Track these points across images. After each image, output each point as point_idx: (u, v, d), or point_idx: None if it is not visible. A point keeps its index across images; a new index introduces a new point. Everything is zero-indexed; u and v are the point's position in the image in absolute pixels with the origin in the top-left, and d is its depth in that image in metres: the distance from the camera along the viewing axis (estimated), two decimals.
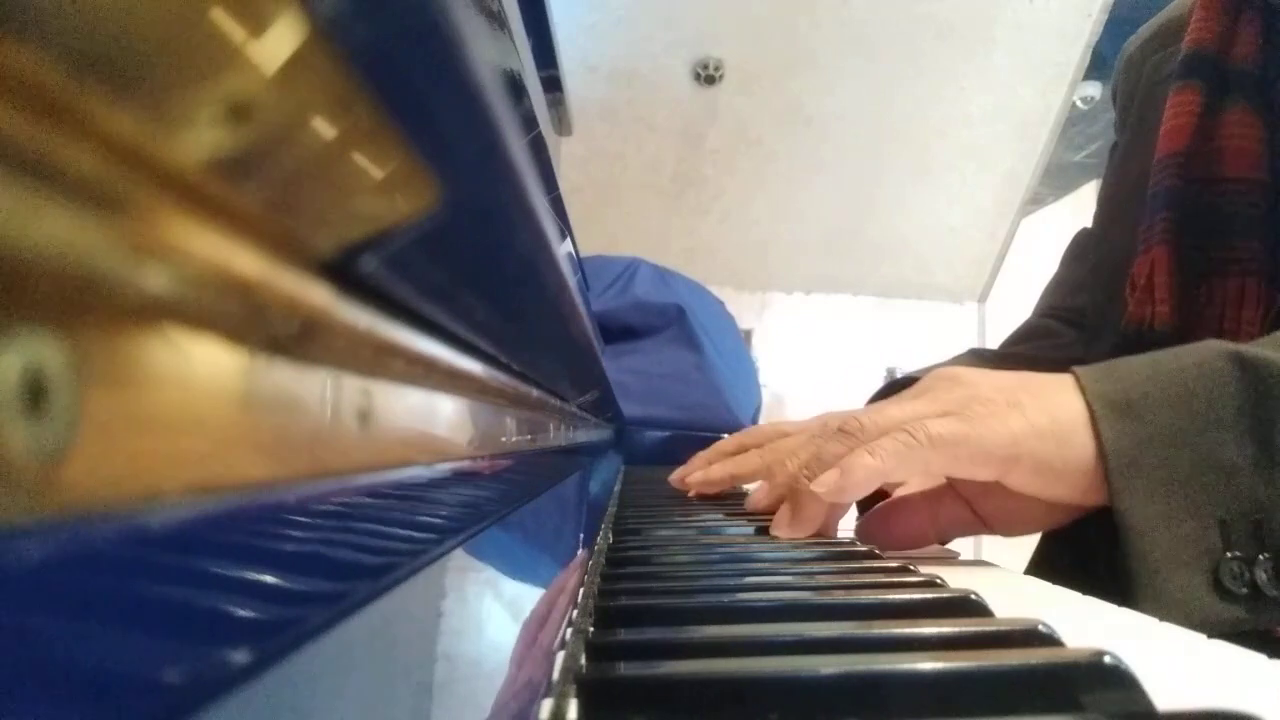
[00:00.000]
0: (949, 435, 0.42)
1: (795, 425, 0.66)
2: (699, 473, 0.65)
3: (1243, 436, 0.39)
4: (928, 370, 0.72)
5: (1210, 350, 0.42)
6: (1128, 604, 0.37)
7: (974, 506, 0.47)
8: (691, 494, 0.67)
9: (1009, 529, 0.48)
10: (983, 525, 0.48)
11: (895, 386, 0.73)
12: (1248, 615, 0.37)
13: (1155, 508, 0.40)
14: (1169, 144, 0.57)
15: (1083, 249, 0.80)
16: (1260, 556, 0.38)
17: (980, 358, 0.77)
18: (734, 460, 0.64)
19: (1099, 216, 0.72)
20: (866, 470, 0.43)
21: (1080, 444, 0.42)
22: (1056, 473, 0.42)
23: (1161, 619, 0.33)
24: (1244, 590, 0.38)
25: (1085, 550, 0.47)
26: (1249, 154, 0.54)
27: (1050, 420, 0.42)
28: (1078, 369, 0.45)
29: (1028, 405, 0.43)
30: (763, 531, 0.51)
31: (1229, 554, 0.38)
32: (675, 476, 0.69)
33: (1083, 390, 0.43)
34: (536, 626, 0.24)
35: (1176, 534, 0.39)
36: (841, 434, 0.45)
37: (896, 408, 0.45)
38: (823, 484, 0.44)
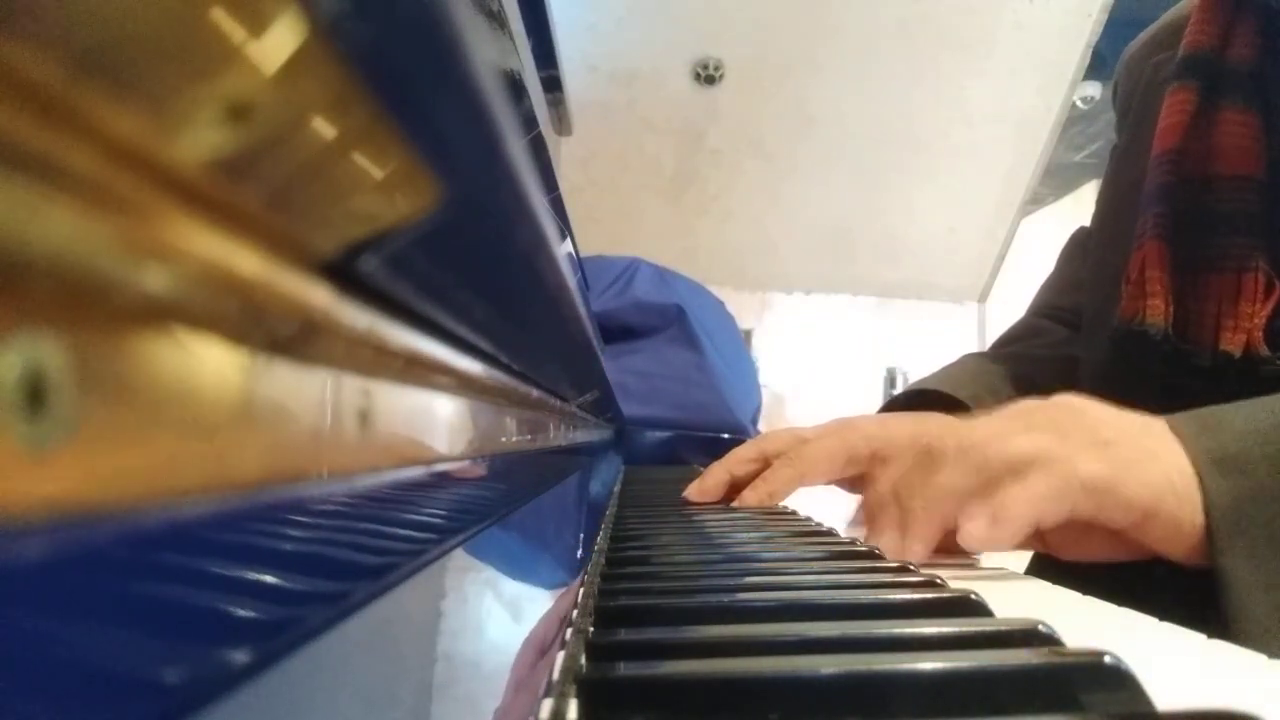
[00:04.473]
0: (1101, 480, 0.39)
1: (813, 431, 0.62)
2: (735, 501, 0.62)
3: None
4: (938, 376, 0.71)
5: None
6: (1134, 599, 0.37)
7: (1047, 533, 0.44)
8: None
9: (1072, 555, 0.46)
10: (1039, 544, 0.46)
11: (897, 402, 0.72)
12: None
13: (1256, 569, 0.38)
14: (1164, 142, 0.58)
15: (1080, 248, 0.79)
16: None
17: (979, 360, 0.76)
18: (769, 480, 0.61)
19: (1097, 217, 0.72)
20: (1020, 520, 0.39)
21: (1198, 504, 0.40)
22: (1184, 535, 0.40)
23: None
24: None
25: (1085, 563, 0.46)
26: (1245, 151, 0.54)
27: (1180, 475, 0.40)
28: (1170, 419, 0.43)
29: (1162, 456, 0.41)
30: (763, 535, 0.51)
31: None
32: (694, 492, 0.63)
33: (1183, 443, 0.41)
34: (533, 654, 0.24)
35: (1277, 598, 0.38)
36: (962, 462, 0.42)
37: (1023, 437, 0.42)
38: (972, 536, 0.40)
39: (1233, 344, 0.52)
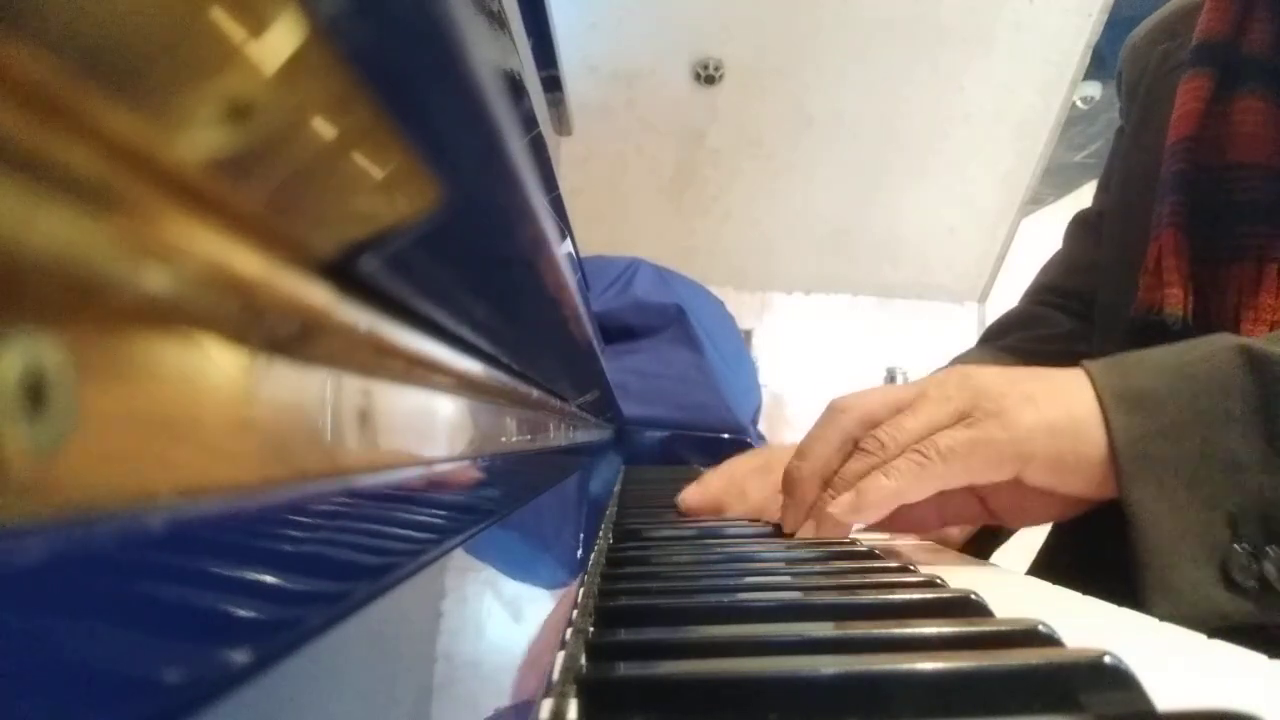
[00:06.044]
0: (959, 446, 0.42)
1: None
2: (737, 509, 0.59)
3: (1250, 431, 0.40)
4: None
5: (1219, 344, 0.42)
6: (1136, 599, 0.37)
7: (985, 499, 0.48)
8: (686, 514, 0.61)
9: (1020, 521, 0.48)
10: (990, 516, 0.48)
11: None
12: (1255, 608, 0.37)
13: (1164, 500, 0.40)
14: (1179, 130, 0.57)
15: (1083, 230, 0.78)
16: (1269, 550, 0.38)
17: (980, 355, 0.75)
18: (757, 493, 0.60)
19: (1106, 200, 0.71)
20: (881, 493, 0.43)
21: (1094, 438, 0.42)
22: (1071, 467, 0.42)
23: (1169, 612, 0.33)
24: (1252, 583, 0.38)
25: (1090, 552, 0.47)
26: (1262, 139, 0.54)
27: (1065, 413, 0.42)
28: (1087, 363, 0.45)
29: (1040, 399, 0.43)
30: (763, 533, 0.51)
31: (1237, 547, 0.38)
32: (692, 505, 0.59)
33: (1093, 382, 0.43)
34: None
35: (1185, 526, 0.39)
36: (863, 454, 0.46)
37: (912, 419, 0.45)
38: (839, 506, 0.44)
39: (1255, 334, 0.52)
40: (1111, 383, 0.43)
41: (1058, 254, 0.81)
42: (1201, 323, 0.54)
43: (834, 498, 0.46)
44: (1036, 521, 0.49)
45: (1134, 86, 0.68)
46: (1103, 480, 0.42)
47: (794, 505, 0.49)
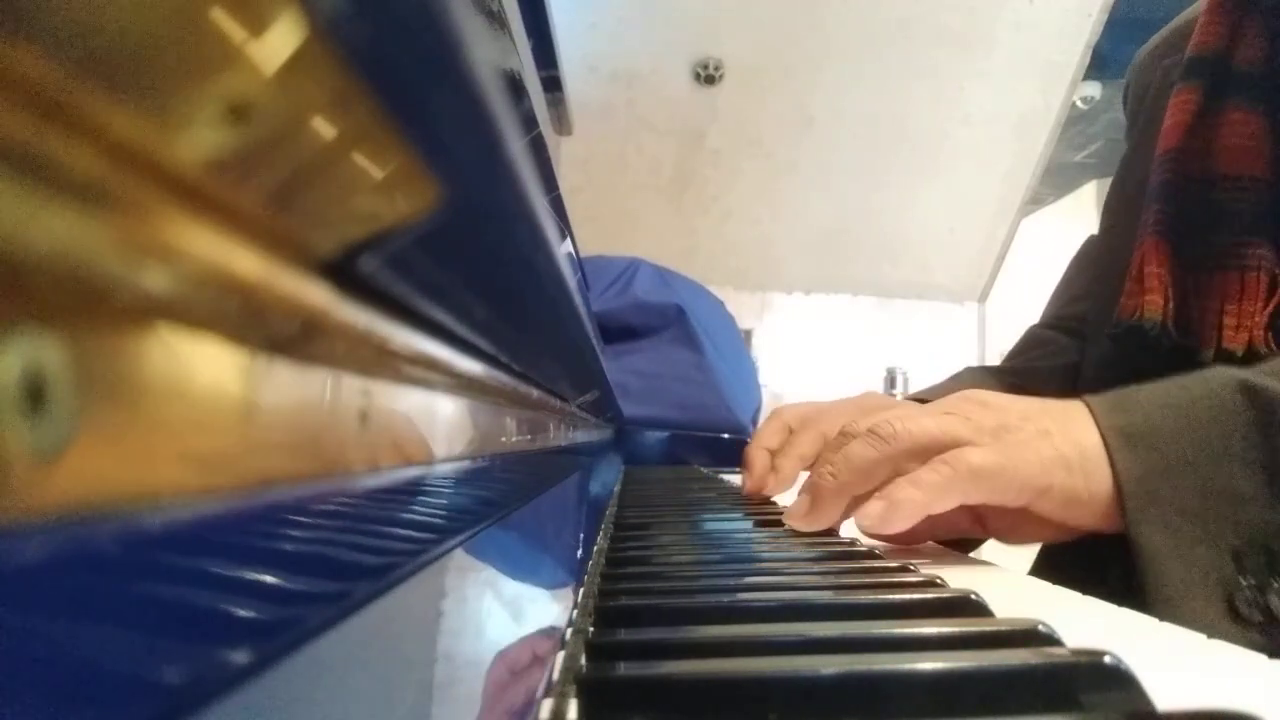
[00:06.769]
0: (988, 468, 0.42)
1: (831, 404, 0.65)
2: (771, 481, 0.64)
3: (1252, 466, 0.40)
4: (935, 389, 0.72)
5: (1219, 379, 0.43)
6: (1137, 600, 0.37)
7: (983, 518, 0.48)
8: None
9: (1014, 539, 0.49)
10: (982, 532, 0.49)
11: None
12: (1262, 640, 0.37)
13: (1169, 537, 0.40)
14: (1167, 142, 0.58)
15: (1088, 258, 0.79)
16: (1274, 584, 0.38)
17: (975, 373, 0.76)
18: (790, 459, 0.63)
19: (1105, 222, 0.72)
20: (912, 505, 0.43)
21: (1101, 475, 0.42)
22: (1082, 503, 0.42)
23: None
24: (1258, 617, 0.38)
25: (1091, 556, 0.47)
26: (1250, 152, 0.54)
27: (1076, 450, 0.43)
28: (1089, 398, 0.45)
29: (1055, 434, 0.43)
30: (764, 525, 0.51)
31: (1243, 582, 0.38)
32: (751, 487, 0.65)
33: (1096, 420, 0.43)
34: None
35: (1190, 563, 0.39)
36: (871, 436, 0.46)
37: (930, 418, 0.45)
38: (867, 516, 0.43)
39: (1235, 342, 0.52)
40: (1115, 420, 0.43)
41: (1060, 284, 0.83)
42: (1181, 330, 0.55)
43: (830, 474, 0.46)
44: (1031, 541, 0.49)
45: (1138, 103, 0.69)
46: (1109, 516, 0.42)
47: (818, 510, 0.49)
